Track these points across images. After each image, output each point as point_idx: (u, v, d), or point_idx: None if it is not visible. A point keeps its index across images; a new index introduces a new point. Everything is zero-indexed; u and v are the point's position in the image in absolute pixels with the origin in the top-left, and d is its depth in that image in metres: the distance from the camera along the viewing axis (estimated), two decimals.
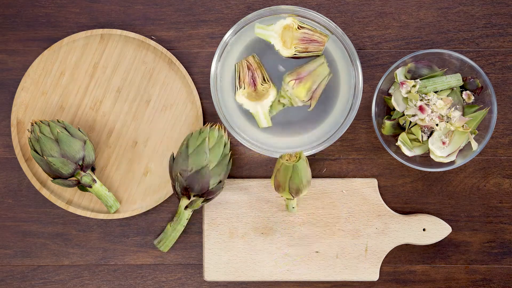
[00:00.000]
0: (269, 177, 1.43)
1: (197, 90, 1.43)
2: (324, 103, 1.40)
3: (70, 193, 1.42)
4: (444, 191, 1.44)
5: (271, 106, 1.39)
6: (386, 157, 1.44)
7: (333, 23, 1.37)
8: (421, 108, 1.33)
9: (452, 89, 1.36)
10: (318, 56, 1.38)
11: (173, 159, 1.37)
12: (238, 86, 1.38)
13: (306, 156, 1.38)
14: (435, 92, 1.35)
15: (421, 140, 1.35)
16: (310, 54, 1.38)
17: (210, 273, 1.41)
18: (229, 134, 1.41)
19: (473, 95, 1.37)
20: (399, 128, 1.37)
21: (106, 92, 1.43)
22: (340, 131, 1.38)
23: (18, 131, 1.42)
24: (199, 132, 1.37)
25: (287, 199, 1.36)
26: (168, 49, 1.43)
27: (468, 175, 1.44)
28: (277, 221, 1.42)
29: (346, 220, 1.42)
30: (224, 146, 1.37)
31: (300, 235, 1.41)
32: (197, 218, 1.44)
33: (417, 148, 1.37)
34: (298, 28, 1.37)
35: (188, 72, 1.43)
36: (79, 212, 1.41)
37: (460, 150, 1.37)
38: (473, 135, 1.36)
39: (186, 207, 1.37)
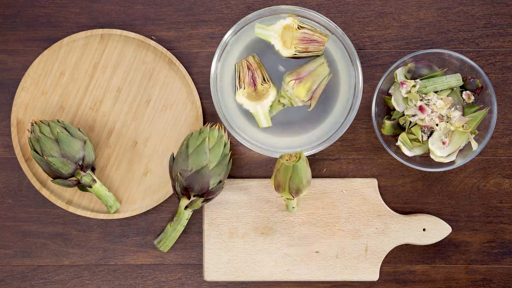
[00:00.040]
0: (269, 177, 1.43)
1: (197, 90, 1.43)
2: (324, 103, 1.40)
3: (70, 193, 1.42)
4: (444, 191, 1.44)
5: (271, 106, 1.39)
6: (386, 157, 1.44)
7: (333, 23, 1.37)
8: (421, 108, 1.33)
9: (452, 89, 1.36)
10: (318, 56, 1.38)
11: (173, 159, 1.37)
12: (238, 86, 1.38)
13: (306, 156, 1.38)
14: (435, 92, 1.35)
15: (421, 140, 1.35)
16: (310, 54, 1.38)
17: (210, 273, 1.41)
18: (229, 134, 1.41)
19: (473, 95, 1.37)
20: (399, 128, 1.37)
21: (106, 92, 1.43)
22: (340, 131, 1.38)
23: (18, 131, 1.42)
24: (199, 132, 1.36)
25: (287, 199, 1.36)
26: (168, 49, 1.43)
27: (468, 175, 1.44)
28: (277, 221, 1.42)
29: (346, 220, 1.42)
30: (224, 146, 1.37)
31: (300, 235, 1.41)
32: (197, 218, 1.44)
33: (417, 148, 1.37)
34: (298, 28, 1.37)
35: (188, 72, 1.43)
36: (79, 212, 1.41)
37: (460, 150, 1.37)
38: (473, 135, 1.36)
39: (186, 207, 1.37)
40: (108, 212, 1.42)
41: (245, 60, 1.38)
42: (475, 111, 1.36)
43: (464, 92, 1.36)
